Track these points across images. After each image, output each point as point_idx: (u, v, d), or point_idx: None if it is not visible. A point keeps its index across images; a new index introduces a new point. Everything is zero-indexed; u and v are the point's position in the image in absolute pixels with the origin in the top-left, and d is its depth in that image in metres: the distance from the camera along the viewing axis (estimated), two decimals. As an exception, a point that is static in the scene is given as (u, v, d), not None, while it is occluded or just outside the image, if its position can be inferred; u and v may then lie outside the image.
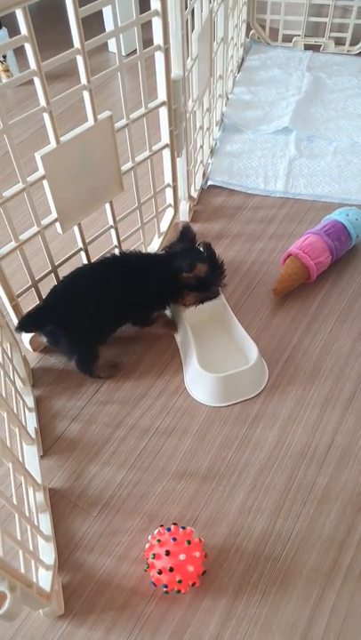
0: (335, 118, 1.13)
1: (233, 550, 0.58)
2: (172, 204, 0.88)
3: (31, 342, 0.76)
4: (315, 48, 1.31)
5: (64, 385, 0.73)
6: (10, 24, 0.51)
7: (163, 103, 0.73)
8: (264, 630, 0.54)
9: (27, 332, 0.70)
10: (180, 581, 0.52)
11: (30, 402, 0.70)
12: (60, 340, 0.68)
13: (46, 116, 0.57)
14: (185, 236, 0.74)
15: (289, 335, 0.78)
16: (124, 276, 0.69)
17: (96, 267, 0.71)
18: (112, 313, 0.69)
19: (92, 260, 0.75)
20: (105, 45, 1.30)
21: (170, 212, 0.90)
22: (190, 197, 0.94)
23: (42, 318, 0.67)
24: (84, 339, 0.68)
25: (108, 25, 1.16)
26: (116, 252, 0.78)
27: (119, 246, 0.81)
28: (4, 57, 1.25)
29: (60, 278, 0.74)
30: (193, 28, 0.78)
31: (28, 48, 0.51)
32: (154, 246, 0.89)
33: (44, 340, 0.73)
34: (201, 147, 0.97)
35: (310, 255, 0.81)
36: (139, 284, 0.68)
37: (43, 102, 0.56)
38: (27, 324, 0.67)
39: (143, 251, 0.86)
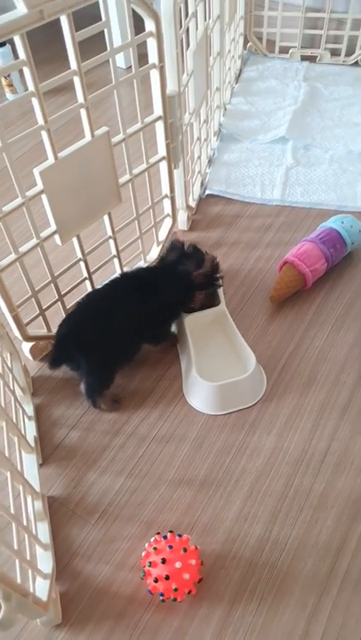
0: (331, 127, 1.14)
1: (230, 558, 0.59)
2: (170, 213, 0.89)
3: (31, 351, 0.77)
4: (311, 59, 1.33)
5: (63, 393, 0.75)
6: (12, 40, 0.53)
7: (159, 118, 0.74)
8: (261, 639, 0.54)
9: (59, 366, 0.70)
10: (176, 589, 0.52)
11: (30, 410, 0.71)
12: (81, 365, 0.68)
13: (44, 134, 0.59)
14: (175, 247, 0.75)
15: (286, 342, 0.79)
16: (136, 293, 0.69)
17: (108, 288, 0.72)
18: (130, 332, 0.69)
19: (98, 281, 0.76)
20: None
21: (168, 222, 0.91)
22: (188, 207, 0.95)
23: (66, 351, 0.67)
24: (105, 362, 0.68)
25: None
26: (120, 271, 0.80)
27: (118, 256, 0.82)
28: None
29: (61, 291, 0.75)
30: (188, 45, 0.80)
31: (27, 71, 0.53)
32: (153, 255, 0.91)
33: (66, 368, 0.71)
34: (199, 157, 0.99)
35: (306, 263, 0.81)
36: (152, 298, 0.69)
37: (41, 121, 0.58)
38: (57, 359, 0.68)
39: (142, 264, 0.87)
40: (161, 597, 0.53)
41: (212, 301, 0.78)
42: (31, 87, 0.55)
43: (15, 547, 0.47)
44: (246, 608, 0.55)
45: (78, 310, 0.70)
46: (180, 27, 0.71)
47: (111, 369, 0.70)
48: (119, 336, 0.68)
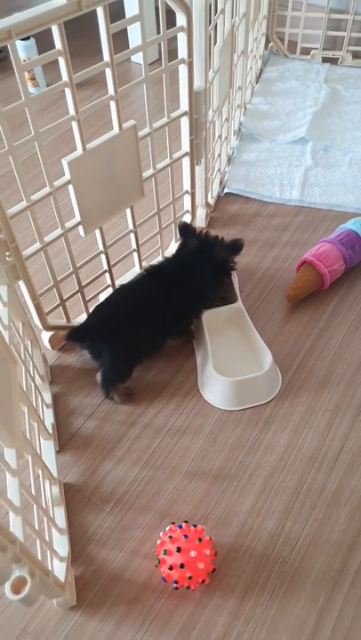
0: (351, 129, 1.15)
1: (242, 550, 0.59)
2: (190, 210, 0.90)
3: (50, 340, 0.78)
4: (332, 61, 1.33)
5: (80, 383, 0.75)
6: (36, 34, 0.53)
7: (185, 113, 0.75)
8: (271, 631, 0.54)
9: (75, 342, 0.71)
10: (190, 577, 0.53)
11: (48, 398, 0.72)
12: (103, 355, 0.68)
13: (75, 125, 0.60)
14: (187, 231, 0.75)
15: (301, 341, 0.79)
16: (166, 286, 0.70)
17: (137, 284, 0.72)
18: (156, 329, 0.70)
19: (117, 274, 0.77)
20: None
21: (187, 218, 0.92)
22: (207, 204, 0.96)
23: (90, 333, 0.68)
24: (127, 357, 0.69)
25: (132, 36, 1.20)
26: (144, 265, 0.80)
27: (137, 250, 0.83)
28: (30, 65, 1.29)
29: (81, 282, 0.76)
30: (215, 41, 0.80)
31: (62, 61, 0.54)
32: (170, 251, 0.91)
33: (87, 355, 0.72)
34: (219, 155, 0.99)
35: (324, 263, 0.82)
36: (184, 291, 0.70)
37: (72, 112, 0.59)
38: (76, 335, 0.69)
39: (160, 259, 0.88)
40: (175, 585, 0.54)
41: (228, 298, 0.79)
42: (65, 77, 0.56)
43: (36, 527, 0.48)
44: (258, 600, 0.56)
45: (108, 302, 0.71)
46: (210, 22, 0.72)
47: (132, 363, 0.71)
48: (146, 333, 0.69)
